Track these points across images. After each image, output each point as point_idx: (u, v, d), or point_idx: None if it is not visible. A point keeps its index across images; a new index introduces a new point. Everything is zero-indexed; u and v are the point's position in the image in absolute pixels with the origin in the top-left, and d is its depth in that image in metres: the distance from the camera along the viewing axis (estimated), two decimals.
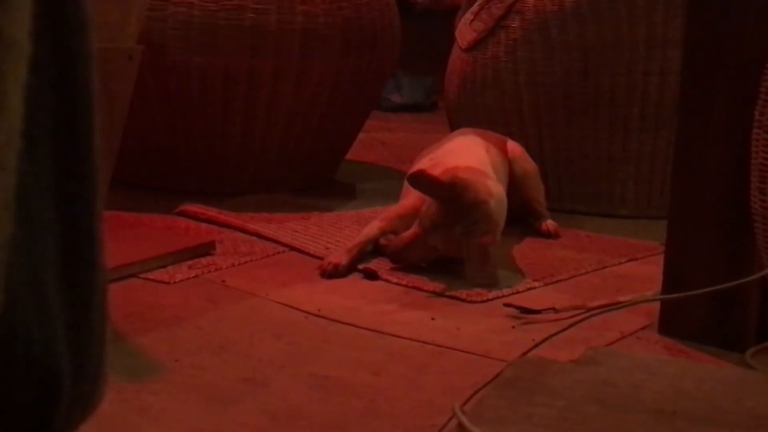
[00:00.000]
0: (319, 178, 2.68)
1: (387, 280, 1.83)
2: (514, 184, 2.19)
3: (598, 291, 1.78)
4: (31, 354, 0.38)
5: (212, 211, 2.27)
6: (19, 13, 0.34)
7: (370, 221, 2.05)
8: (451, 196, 1.80)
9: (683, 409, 0.56)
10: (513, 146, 2.27)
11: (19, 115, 0.34)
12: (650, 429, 0.55)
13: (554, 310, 1.64)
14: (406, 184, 2.04)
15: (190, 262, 1.88)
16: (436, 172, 1.89)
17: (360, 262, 1.89)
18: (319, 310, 1.65)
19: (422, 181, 1.83)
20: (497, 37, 2.55)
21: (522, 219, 2.28)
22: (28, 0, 0.34)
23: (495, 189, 1.89)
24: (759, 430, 0.56)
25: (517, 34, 2.50)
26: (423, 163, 2.06)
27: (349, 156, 2.80)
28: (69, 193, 0.40)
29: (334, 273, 1.85)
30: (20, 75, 0.34)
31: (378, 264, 1.91)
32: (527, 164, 2.25)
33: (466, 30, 2.67)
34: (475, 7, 2.70)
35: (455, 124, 2.65)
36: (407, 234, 1.88)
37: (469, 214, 1.81)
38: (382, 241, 1.95)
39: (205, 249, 1.97)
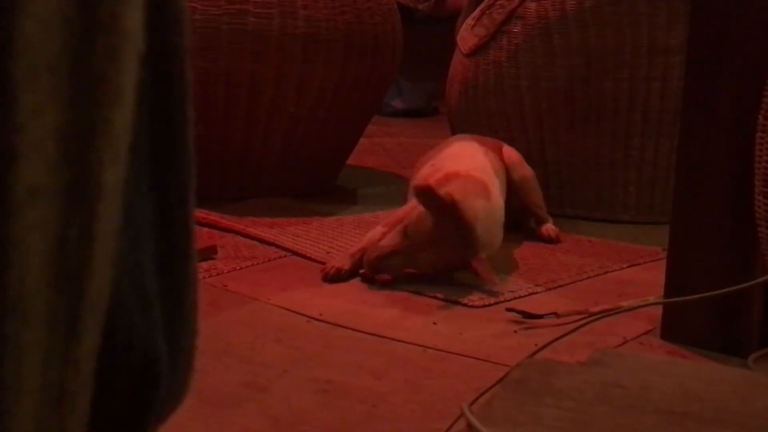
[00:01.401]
0: (320, 183, 2.67)
1: (390, 286, 1.83)
2: (513, 190, 2.19)
3: (600, 296, 1.78)
4: (132, 342, 0.38)
5: (213, 216, 2.26)
6: (135, 5, 0.34)
7: (372, 226, 2.05)
8: (451, 214, 1.78)
9: (693, 410, 0.56)
10: (509, 152, 2.27)
11: (132, 109, 0.35)
12: (660, 430, 0.55)
13: (556, 315, 1.63)
14: (411, 189, 2.04)
15: None
16: (437, 176, 1.88)
17: (362, 268, 1.89)
18: (320, 314, 1.64)
19: (428, 197, 1.77)
20: (499, 43, 2.55)
21: (523, 224, 2.28)
22: None
23: (482, 209, 1.85)
24: None
25: (519, 40, 2.50)
26: (425, 169, 2.05)
27: (350, 161, 2.81)
28: (165, 185, 0.41)
29: (336, 277, 1.84)
30: (135, 69, 0.34)
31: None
32: (525, 170, 2.25)
33: (467, 35, 2.67)
34: (476, 13, 2.70)
35: (457, 129, 2.65)
36: (388, 244, 1.83)
37: (461, 236, 1.78)
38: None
39: (207, 253, 1.96)
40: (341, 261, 1.87)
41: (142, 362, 0.39)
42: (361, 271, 1.87)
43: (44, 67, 0.31)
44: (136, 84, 0.35)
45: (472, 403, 0.61)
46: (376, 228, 2.00)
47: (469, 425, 0.56)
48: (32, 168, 0.31)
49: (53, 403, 0.33)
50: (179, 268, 0.42)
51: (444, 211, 1.77)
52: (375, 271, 1.82)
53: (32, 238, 0.31)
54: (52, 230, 0.32)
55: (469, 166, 1.99)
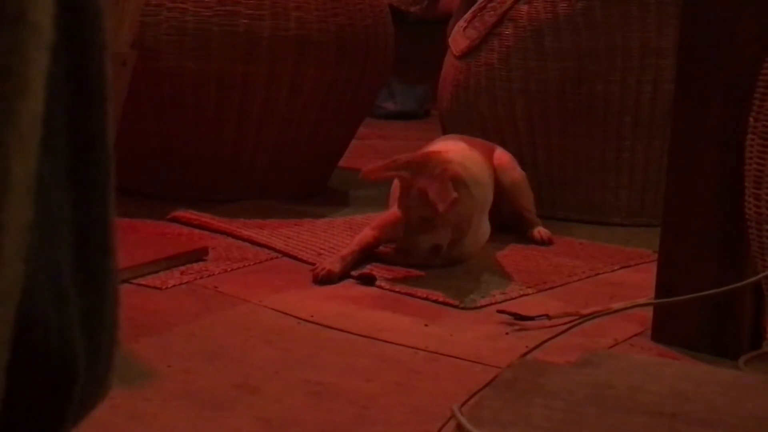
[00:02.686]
0: (312, 185, 2.67)
1: (380, 287, 1.83)
2: (503, 193, 2.22)
3: (591, 298, 1.78)
4: (47, 339, 0.38)
5: (205, 217, 2.26)
6: None
7: (363, 228, 2.05)
8: (414, 165, 1.86)
9: (682, 410, 0.56)
10: (500, 155, 2.28)
11: (41, 102, 0.34)
12: (650, 431, 0.55)
13: (547, 316, 1.63)
14: (392, 191, 2.07)
15: (182, 268, 1.88)
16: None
17: (353, 269, 1.89)
18: (312, 316, 1.64)
19: (376, 170, 1.88)
20: (491, 45, 2.55)
21: (514, 227, 2.29)
22: None
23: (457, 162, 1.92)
24: (758, 431, 0.56)
25: (511, 42, 2.51)
26: None
27: (342, 163, 2.80)
28: (83, 180, 0.41)
29: (327, 279, 1.84)
30: (43, 61, 0.34)
31: (372, 270, 1.90)
32: (515, 173, 2.26)
33: (459, 38, 2.67)
34: (468, 15, 2.70)
35: (449, 131, 2.65)
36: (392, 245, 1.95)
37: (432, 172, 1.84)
38: (382, 248, 1.99)
39: (198, 255, 1.96)
40: (332, 263, 1.87)
41: (58, 359, 0.39)
42: (356, 273, 1.88)
43: None
44: (47, 77, 0.34)
45: (462, 405, 0.61)
46: (365, 231, 2.00)
47: (459, 426, 0.56)
48: None
49: None
50: (98, 265, 0.42)
51: (399, 166, 1.86)
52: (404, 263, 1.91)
53: None
54: None
55: (443, 148, 2.06)
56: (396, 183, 2.02)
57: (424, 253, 1.91)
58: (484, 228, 2.06)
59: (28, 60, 0.33)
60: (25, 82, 0.33)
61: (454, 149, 2.06)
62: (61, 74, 0.38)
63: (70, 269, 0.40)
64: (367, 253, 1.95)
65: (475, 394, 0.72)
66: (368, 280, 1.85)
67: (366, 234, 1.98)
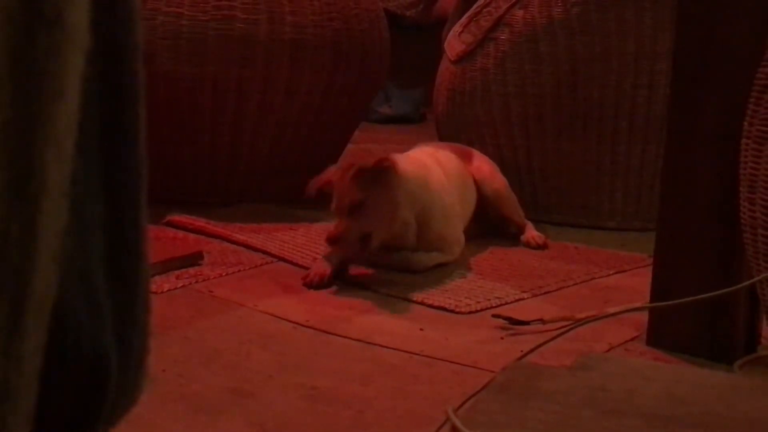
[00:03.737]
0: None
1: (375, 291, 1.83)
2: (488, 203, 2.24)
3: (586, 302, 1.78)
4: (80, 343, 0.38)
5: (200, 221, 2.26)
6: (81, 2, 0.34)
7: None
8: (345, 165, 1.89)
9: (678, 414, 0.56)
10: (480, 164, 2.29)
11: (77, 105, 0.34)
12: None
13: (542, 321, 1.64)
14: None
15: (177, 272, 1.87)
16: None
17: (340, 269, 1.90)
18: (307, 320, 1.64)
19: (310, 187, 1.92)
20: (486, 49, 2.55)
21: (504, 231, 2.29)
22: None
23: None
24: None
25: (506, 46, 2.51)
26: None
27: None
28: (115, 184, 0.40)
29: (320, 284, 1.84)
30: (80, 65, 0.34)
31: (356, 270, 1.93)
32: (496, 182, 2.27)
33: (455, 42, 2.68)
34: (463, 19, 2.71)
35: (444, 135, 2.66)
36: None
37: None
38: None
39: (193, 259, 1.96)
40: (323, 267, 1.87)
41: (91, 363, 0.38)
42: (345, 274, 1.89)
43: None
44: (82, 80, 0.34)
45: (458, 408, 0.61)
46: None
47: (455, 429, 0.56)
48: None
49: None
50: (130, 269, 0.42)
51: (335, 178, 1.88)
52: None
53: None
54: None
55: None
56: None
57: (354, 243, 1.85)
58: (446, 229, 2.04)
59: (65, 62, 0.33)
60: (62, 84, 0.33)
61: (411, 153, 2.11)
62: (95, 77, 0.37)
63: (103, 274, 0.39)
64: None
65: (470, 397, 0.72)
66: (357, 282, 1.86)
67: None
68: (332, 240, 1.83)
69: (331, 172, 1.91)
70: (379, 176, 1.84)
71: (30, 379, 0.34)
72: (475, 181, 2.24)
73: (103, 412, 0.40)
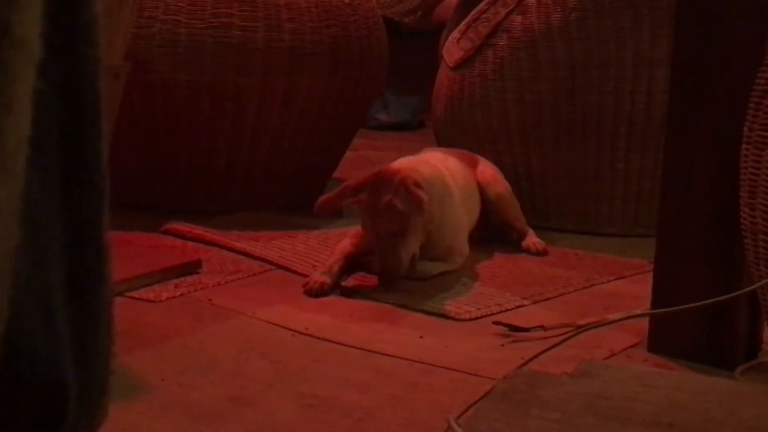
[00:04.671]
0: (306, 197, 2.66)
1: (375, 299, 1.83)
2: (490, 208, 2.24)
3: (586, 309, 1.78)
4: (36, 368, 0.36)
5: (198, 230, 2.26)
6: (31, 13, 0.32)
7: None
8: (367, 185, 1.87)
9: (679, 421, 0.56)
10: (484, 168, 2.30)
11: (27, 120, 0.33)
12: None
13: (543, 328, 1.63)
14: None
15: (176, 281, 1.87)
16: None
17: (342, 279, 1.90)
18: (306, 328, 1.64)
19: (328, 201, 1.90)
20: (484, 56, 2.56)
21: (505, 237, 2.29)
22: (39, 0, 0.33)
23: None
24: None
25: (505, 53, 2.51)
26: None
27: (336, 174, 2.80)
28: (75, 201, 0.39)
29: (320, 292, 1.84)
30: (29, 78, 0.33)
31: (357, 280, 1.92)
32: (499, 187, 2.28)
33: (453, 48, 2.68)
34: (462, 26, 2.71)
35: (443, 142, 2.66)
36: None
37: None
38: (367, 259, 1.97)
39: (192, 267, 1.96)
40: (322, 276, 1.87)
41: (48, 388, 0.37)
42: (342, 284, 1.88)
43: None
44: (34, 94, 0.33)
45: (459, 417, 0.61)
46: (344, 240, 2.02)
47: None
48: None
49: None
50: (91, 290, 0.40)
51: (348, 193, 1.89)
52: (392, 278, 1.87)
53: None
54: None
55: (421, 158, 2.11)
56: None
57: (407, 267, 1.88)
58: (454, 240, 2.05)
59: (13, 77, 0.32)
60: (9, 99, 0.32)
61: (409, 161, 2.09)
62: (51, 91, 0.36)
63: (62, 296, 0.38)
64: (351, 262, 1.96)
65: (471, 405, 0.72)
66: (348, 293, 1.85)
67: (345, 244, 1.99)
68: (387, 277, 1.85)
69: (353, 191, 1.88)
70: (412, 202, 1.84)
71: None
72: (479, 185, 2.25)
73: None
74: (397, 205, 1.81)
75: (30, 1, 0.32)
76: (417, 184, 1.86)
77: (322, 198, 1.92)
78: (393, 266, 1.85)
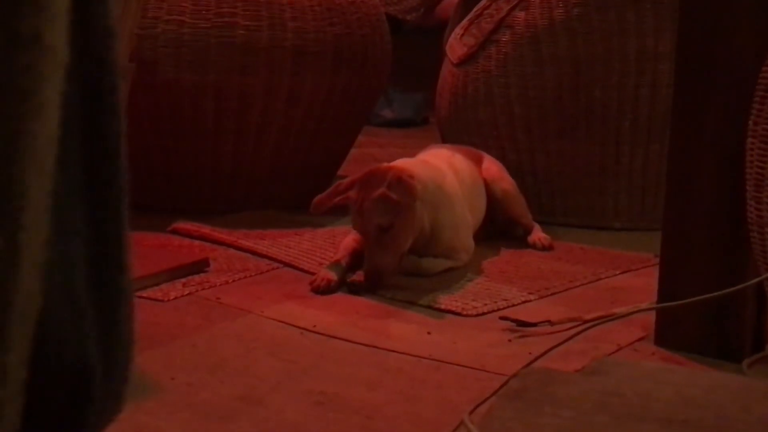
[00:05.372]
0: (311, 195, 2.66)
1: (382, 295, 1.82)
2: (496, 204, 2.23)
3: (593, 303, 1.78)
4: (64, 353, 0.38)
5: (205, 229, 2.26)
6: (58, 21, 0.34)
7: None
8: (358, 183, 1.87)
9: (693, 418, 0.56)
10: (489, 165, 2.29)
11: (56, 122, 0.35)
12: None
13: (550, 323, 1.63)
14: None
15: (184, 280, 1.87)
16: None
17: (348, 276, 1.90)
18: (314, 326, 1.64)
19: (322, 201, 1.91)
20: (488, 52, 2.55)
21: (511, 233, 2.29)
22: (65, 8, 0.34)
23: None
24: None
25: (508, 48, 2.51)
26: None
27: (341, 172, 2.80)
28: (96, 198, 0.41)
29: (327, 289, 1.84)
30: (58, 82, 0.34)
31: (362, 275, 1.91)
32: (505, 183, 2.27)
33: (456, 45, 2.67)
34: (465, 22, 2.70)
35: (447, 139, 2.65)
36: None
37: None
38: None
39: (199, 266, 1.95)
40: (329, 273, 1.87)
41: (74, 373, 0.39)
42: (349, 280, 1.88)
43: None
44: (61, 97, 0.35)
45: (471, 412, 0.60)
46: (347, 237, 2.01)
47: None
48: None
49: None
50: (113, 281, 0.42)
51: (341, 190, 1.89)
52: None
53: None
54: None
55: (428, 156, 2.11)
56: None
57: (395, 268, 1.85)
58: (455, 238, 2.03)
59: (43, 80, 0.33)
60: (41, 102, 0.34)
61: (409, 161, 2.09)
62: (75, 93, 0.38)
63: (86, 286, 0.40)
64: (356, 258, 1.95)
65: (484, 401, 0.72)
66: (355, 290, 1.85)
67: (349, 241, 1.99)
68: (374, 279, 1.81)
69: (345, 188, 1.88)
70: (404, 194, 1.83)
71: (15, 390, 0.35)
72: (485, 182, 2.24)
73: (87, 421, 0.41)
74: (391, 195, 1.80)
75: (58, 11, 0.34)
76: (410, 176, 1.86)
77: (317, 197, 1.92)
78: (380, 267, 1.81)
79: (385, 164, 1.94)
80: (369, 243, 1.83)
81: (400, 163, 2.01)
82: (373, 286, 1.82)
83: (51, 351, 0.37)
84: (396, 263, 1.84)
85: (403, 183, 1.83)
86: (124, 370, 0.43)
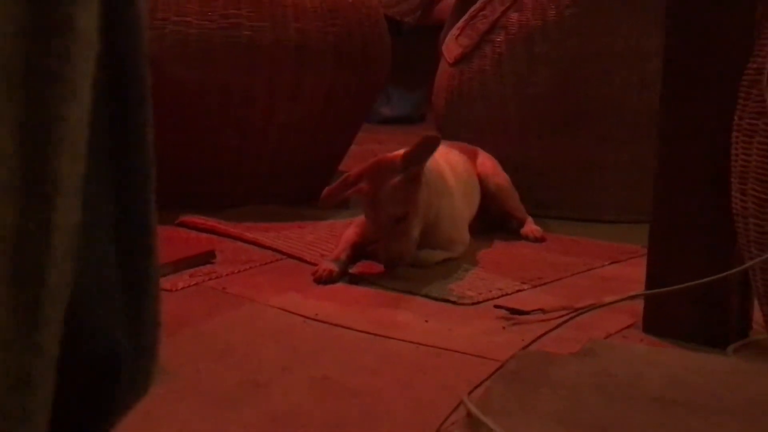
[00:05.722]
0: (313, 189, 2.66)
1: (381, 285, 1.82)
2: (490, 198, 2.23)
3: (584, 292, 1.78)
4: (95, 334, 0.38)
5: (212, 221, 2.25)
6: (90, 8, 0.34)
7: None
8: (366, 174, 1.86)
9: (683, 398, 0.55)
10: (483, 161, 2.29)
11: (88, 107, 0.34)
12: (652, 417, 0.54)
13: (542, 311, 1.63)
14: None
15: (191, 271, 1.87)
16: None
17: (349, 267, 1.90)
18: (316, 314, 1.64)
19: (332, 193, 1.88)
20: (483, 51, 2.55)
21: (505, 225, 2.29)
22: None
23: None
24: (754, 416, 0.55)
25: (502, 48, 2.50)
26: None
27: (342, 167, 2.80)
28: (125, 184, 0.41)
29: (328, 279, 1.84)
30: (90, 68, 0.34)
31: (365, 268, 1.91)
32: (499, 178, 2.27)
33: (452, 45, 2.67)
34: (460, 23, 2.70)
35: (444, 135, 2.64)
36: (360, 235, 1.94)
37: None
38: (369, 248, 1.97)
39: (206, 258, 1.95)
40: (330, 264, 1.87)
41: (104, 351, 0.39)
42: (350, 270, 1.88)
43: None
44: (92, 83, 0.35)
45: (470, 392, 0.60)
46: (349, 229, 2.01)
47: (469, 414, 0.55)
48: None
49: (15, 385, 0.33)
50: (140, 263, 0.42)
51: (350, 182, 1.87)
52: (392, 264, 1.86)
53: None
54: (11, 223, 0.32)
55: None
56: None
57: (413, 251, 1.87)
58: (453, 231, 2.03)
59: (76, 66, 0.33)
60: (74, 87, 0.33)
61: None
62: (104, 81, 0.37)
63: (115, 270, 0.40)
64: (356, 251, 1.95)
65: (482, 383, 0.71)
66: (355, 280, 1.85)
67: (349, 233, 1.99)
68: (394, 264, 1.83)
69: (354, 180, 1.87)
70: (414, 183, 1.83)
71: (48, 368, 0.35)
72: (479, 177, 2.24)
73: (116, 398, 0.41)
74: (403, 185, 1.80)
75: None
76: (417, 170, 1.86)
77: (326, 190, 1.91)
78: (400, 252, 1.84)
79: (390, 154, 1.93)
80: (384, 233, 1.84)
81: (403, 152, 2.01)
82: (393, 268, 1.85)
83: (82, 330, 0.37)
84: (413, 248, 1.86)
85: (411, 170, 1.83)
86: (152, 349, 0.43)
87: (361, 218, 2.01)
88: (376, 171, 1.85)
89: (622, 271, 1.97)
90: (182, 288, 1.77)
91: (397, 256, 1.83)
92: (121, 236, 0.40)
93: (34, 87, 0.32)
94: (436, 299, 1.74)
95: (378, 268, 1.91)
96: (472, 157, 2.28)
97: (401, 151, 2.03)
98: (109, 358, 0.39)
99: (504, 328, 1.59)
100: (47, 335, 0.34)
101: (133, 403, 0.43)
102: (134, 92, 0.41)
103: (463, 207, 2.10)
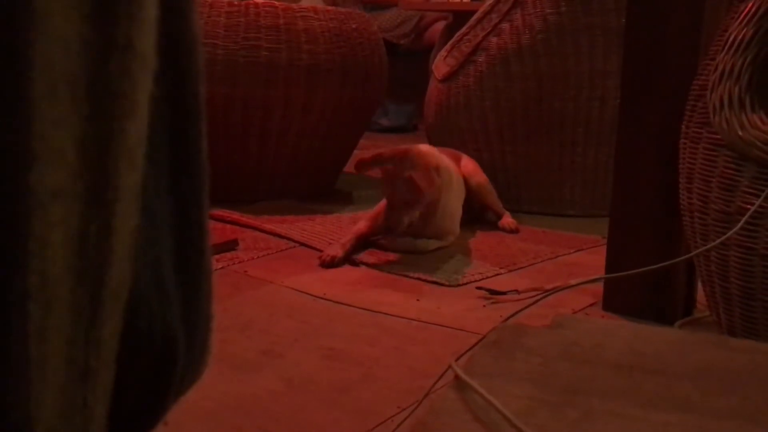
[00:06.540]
0: (322, 187, 2.66)
1: (380, 269, 1.82)
2: (472, 195, 2.23)
3: (552, 275, 1.78)
4: (152, 328, 0.37)
5: (235, 215, 2.25)
6: (148, 29, 0.33)
7: (360, 220, 2.05)
8: (396, 158, 1.85)
9: (639, 363, 0.55)
10: (466, 162, 2.29)
11: (146, 122, 0.33)
12: (613, 380, 0.54)
13: (517, 291, 1.63)
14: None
15: (217, 257, 1.86)
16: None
17: (353, 254, 1.89)
18: (324, 294, 1.63)
19: (365, 163, 1.87)
20: (467, 70, 2.54)
21: (485, 218, 2.29)
22: (154, 17, 0.33)
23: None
24: (700, 378, 0.55)
25: (483, 67, 2.50)
26: None
27: (347, 168, 2.79)
28: (181, 189, 0.39)
29: (331, 264, 1.83)
30: (148, 85, 0.33)
31: (368, 255, 1.90)
32: (479, 177, 2.27)
33: (441, 64, 2.66)
34: (448, 46, 2.70)
35: (434, 143, 2.64)
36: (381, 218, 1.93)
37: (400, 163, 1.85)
38: (380, 239, 1.97)
39: (230, 245, 1.95)
40: (335, 250, 1.87)
41: (162, 345, 0.37)
42: (354, 256, 1.88)
43: (63, 83, 0.29)
44: (150, 99, 0.33)
45: (457, 359, 0.60)
46: (360, 222, 2.01)
47: (457, 377, 0.55)
48: (53, 172, 0.29)
49: (78, 378, 0.32)
50: (195, 263, 0.40)
51: (386, 158, 1.86)
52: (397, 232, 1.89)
53: (54, 234, 0.30)
54: (74, 227, 0.31)
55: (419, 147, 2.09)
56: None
57: (404, 228, 1.89)
58: (446, 222, 2.03)
59: (135, 83, 0.32)
60: (133, 104, 0.32)
61: (427, 148, 2.07)
62: (161, 97, 0.36)
63: (171, 267, 0.38)
64: (363, 241, 1.95)
65: (466, 352, 0.71)
66: (356, 265, 1.85)
67: (360, 225, 1.99)
68: (392, 230, 1.87)
69: (385, 160, 1.86)
70: (430, 178, 1.84)
71: (108, 361, 0.33)
72: (463, 177, 2.24)
73: (172, 385, 0.39)
74: (417, 181, 1.80)
75: (147, 20, 0.32)
76: (436, 169, 1.86)
77: (360, 158, 1.90)
78: (395, 225, 1.87)
79: (422, 148, 1.93)
80: (393, 207, 1.86)
81: (426, 148, 2.00)
82: (391, 232, 1.89)
83: (141, 325, 0.36)
84: (406, 225, 1.88)
85: (429, 173, 1.83)
86: (205, 341, 0.41)
87: (371, 213, 2.01)
88: (404, 158, 1.86)
89: (585, 258, 1.97)
90: None
91: (396, 225, 1.86)
92: (177, 237, 0.39)
93: (97, 102, 0.31)
94: (426, 281, 1.74)
95: (379, 255, 1.90)
96: (457, 160, 2.28)
97: (425, 147, 2.02)
98: (166, 349, 0.38)
99: (484, 306, 1.59)
100: (107, 331, 0.33)
101: (189, 387, 0.41)
102: (191, 108, 0.39)
103: (457, 203, 2.09)
